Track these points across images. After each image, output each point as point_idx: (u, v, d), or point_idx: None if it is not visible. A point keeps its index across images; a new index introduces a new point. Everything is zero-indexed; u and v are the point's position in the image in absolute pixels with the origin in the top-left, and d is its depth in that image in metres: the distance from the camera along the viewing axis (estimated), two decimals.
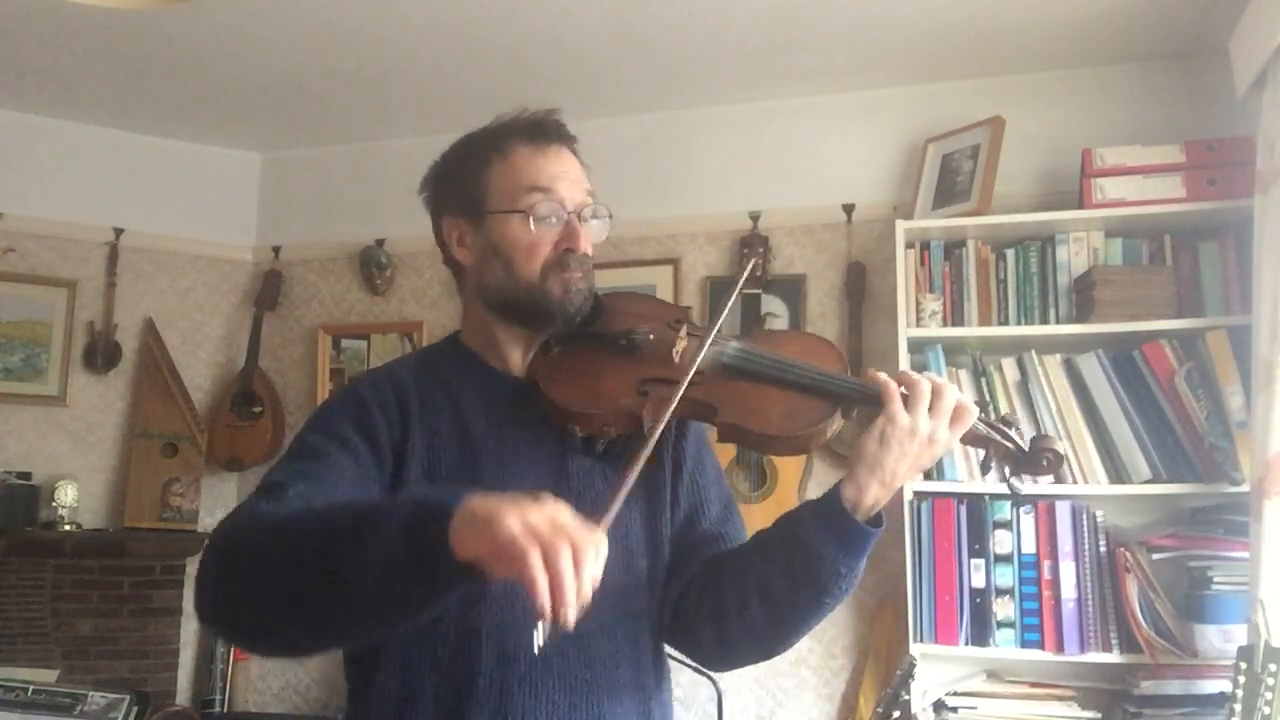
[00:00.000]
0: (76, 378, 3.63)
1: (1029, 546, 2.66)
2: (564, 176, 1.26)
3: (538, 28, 2.90)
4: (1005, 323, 2.82)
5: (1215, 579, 2.45)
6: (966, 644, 2.65)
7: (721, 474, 1.38)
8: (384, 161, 3.73)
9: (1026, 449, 1.18)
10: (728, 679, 2.93)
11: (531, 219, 1.23)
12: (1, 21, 2.90)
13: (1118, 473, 2.63)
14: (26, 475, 3.48)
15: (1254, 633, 2.14)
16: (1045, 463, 1.17)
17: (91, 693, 2.75)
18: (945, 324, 2.86)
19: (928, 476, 2.74)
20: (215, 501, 3.71)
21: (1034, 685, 2.67)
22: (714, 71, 3.17)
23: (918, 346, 2.86)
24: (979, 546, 2.68)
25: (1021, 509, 2.67)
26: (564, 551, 0.82)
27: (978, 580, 2.67)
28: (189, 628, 3.59)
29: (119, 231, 3.71)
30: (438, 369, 1.29)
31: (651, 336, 1.26)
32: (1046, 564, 2.64)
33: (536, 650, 0.84)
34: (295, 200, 3.92)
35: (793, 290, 3.26)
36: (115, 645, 3.45)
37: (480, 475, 1.20)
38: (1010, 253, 2.85)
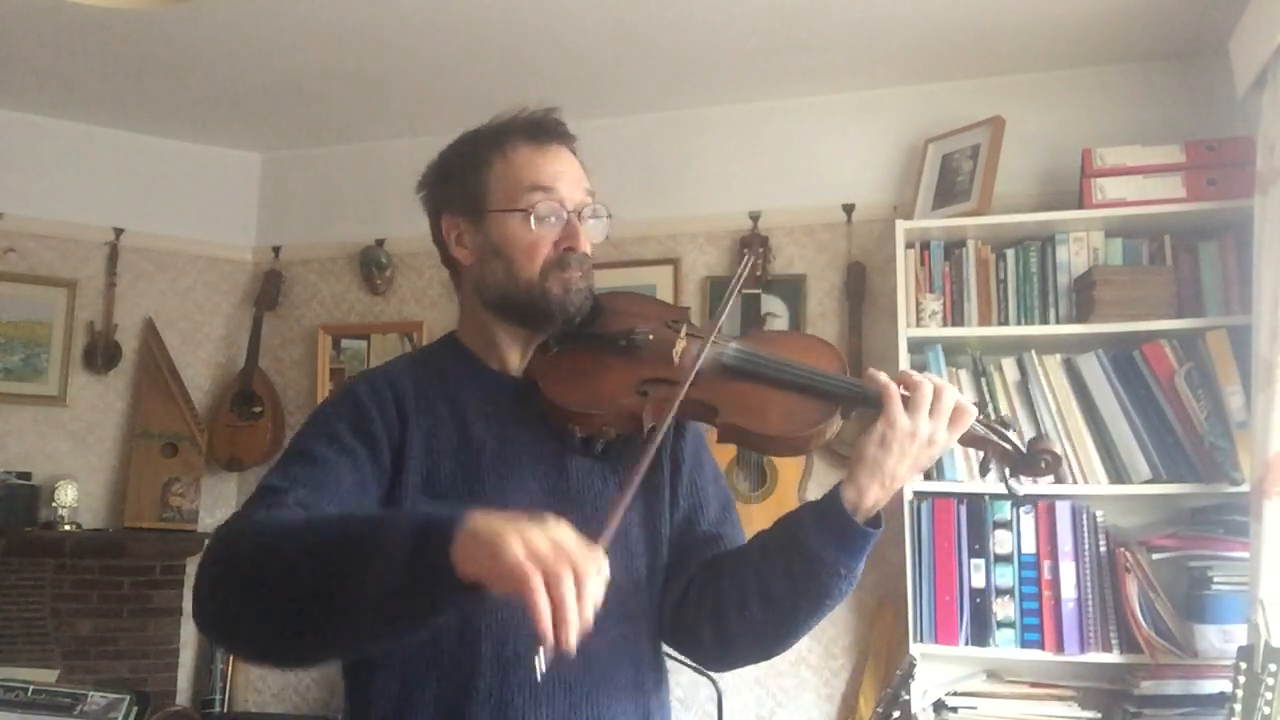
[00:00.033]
0: (76, 378, 3.63)
1: (1029, 546, 2.66)
2: (564, 176, 1.26)
3: (538, 28, 2.90)
4: (1005, 323, 2.82)
5: (1215, 579, 2.45)
6: (966, 644, 2.65)
7: (719, 474, 1.38)
8: (384, 161, 3.73)
9: (1024, 450, 1.18)
10: (728, 679, 2.93)
11: (532, 218, 1.23)
12: (1, 21, 2.90)
13: (1118, 473, 2.63)
14: (26, 475, 3.48)
15: (1254, 633, 2.14)
16: (1043, 464, 1.17)
17: (91, 693, 2.74)
18: (945, 324, 2.86)
19: (928, 476, 2.75)
20: (215, 501, 3.72)
21: (1034, 685, 2.67)
22: (714, 71, 3.17)
23: (918, 346, 2.86)
24: (979, 546, 2.68)
25: (1021, 509, 2.67)
26: (566, 577, 0.83)
27: (978, 580, 2.67)
28: (189, 628, 3.59)
29: (119, 231, 3.71)
30: (435, 369, 1.29)
31: (651, 337, 1.25)
32: (1046, 564, 2.64)
33: (539, 677, 0.84)
34: (295, 200, 3.92)
35: (793, 290, 3.26)
36: (115, 645, 3.45)
37: (480, 476, 1.20)
38: (1010, 253, 2.85)
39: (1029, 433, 2.70)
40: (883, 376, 1.15)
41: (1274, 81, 2.32)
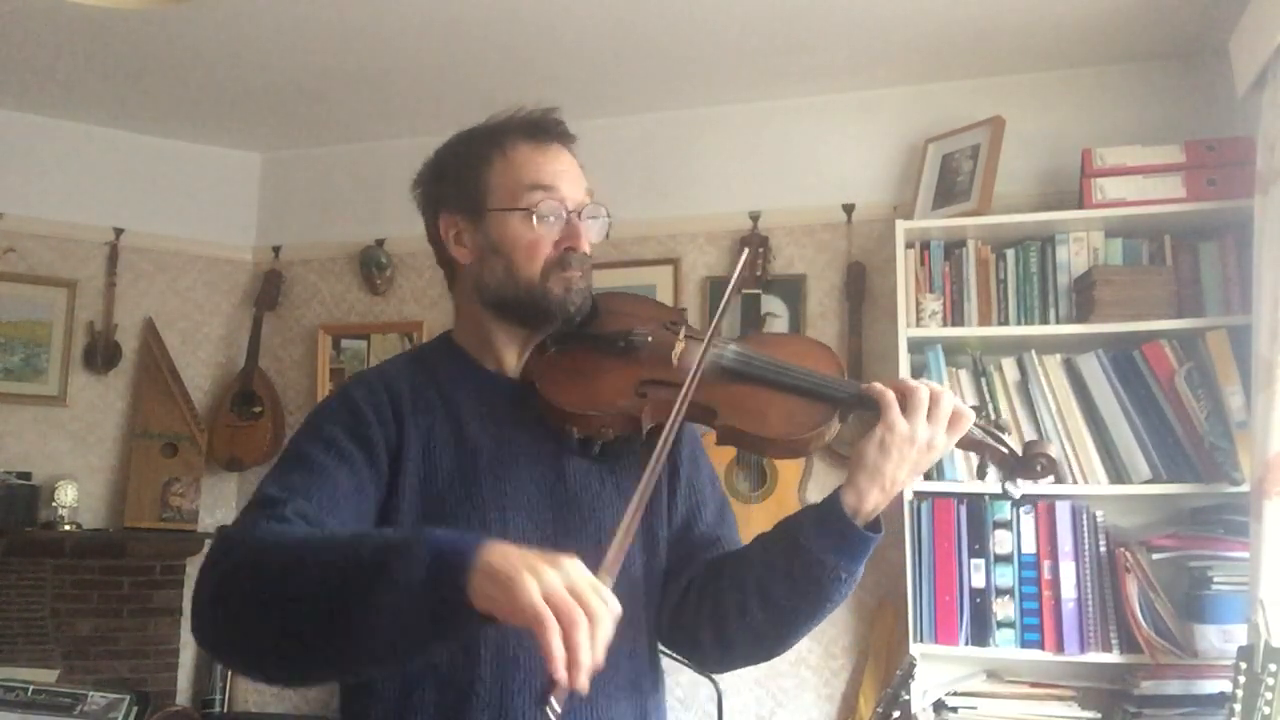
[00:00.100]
0: (76, 378, 3.64)
1: (1029, 546, 2.66)
2: (565, 175, 1.26)
3: (538, 28, 2.90)
4: (1005, 323, 2.82)
5: (1215, 579, 2.45)
6: (966, 644, 2.65)
7: (715, 476, 1.38)
8: (384, 161, 3.72)
9: (1020, 454, 1.19)
10: (728, 679, 2.93)
11: (534, 217, 1.23)
12: (1, 21, 2.90)
13: (1118, 473, 2.63)
14: (26, 475, 3.48)
15: (1254, 633, 2.14)
16: (1039, 467, 1.17)
17: (91, 693, 2.74)
18: (945, 324, 2.86)
19: (928, 477, 2.74)
20: (215, 501, 3.72)
21: (1034, 685, 2.67)
22: (714, 71, 3.17)
23: (918, 346, 2.86)
24: (979, 546, 2.68)
25: (1021, 509, 2.67)
26: (581, 622, 0.83)
27: (978, 580, 2.67)
28: (189, 627, 3.58)
29: (119, 231, 3.71)
30: (431, 369, 1.28)
31: (650, 338, 1.25)
32: (1046, 564, 2.64)
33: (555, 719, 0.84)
34: (295, 200, 3.92)
35: (793, 290, 3.25)
36: (115, 645, 3.45)
37: (477, 478, 1.19)
38: (1010, 253, 2.85)
39: (1029, 434, 2.71)
40: (879, 385, 1.16)
41: (1274, 81, 2.32)
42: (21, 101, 3.51)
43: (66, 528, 3.42)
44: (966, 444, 1.18)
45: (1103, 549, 2.61)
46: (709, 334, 1.19)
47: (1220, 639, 2.41)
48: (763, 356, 1.23)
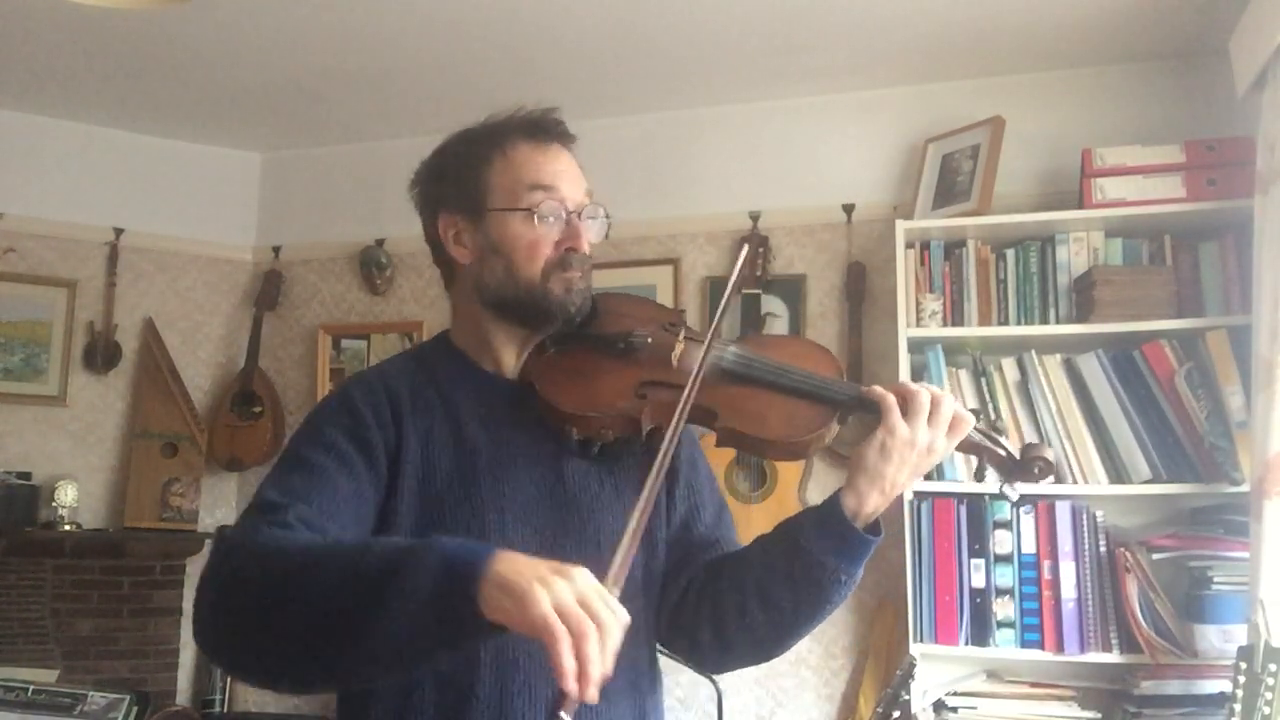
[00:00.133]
0: (76, 378, 3.64)
1: (1029, 546, 2.66)
2: (565, 175, 1.26)
3: (538, 28, 2.90)
4: (1005, 323, 2.82)
5: (1215, 579, 2.45)
6: (966, 644, 2.65)
7: (713, 477, 1.39)
8: (384, 161, 3.72)
9: (1018, 457, 1.19)
10: (728, 679, 2.93)
11: (535, 217, 1.23)
12: (1, 21, 2.90)
13: (1118, 473, 2.63)
14: (26, 475, 3.48)
15: (1254, 633, 2.14)
16: (1037, 470, 1.18)
17: (91, 693, 2.74)
18: (945, 324, 2.86)
19: (928, 477, 2.69)
20: (215, 501, 3.72)
21: (1034, 685, 2.67)
22: (714, 71, 3.17)
23: (918, 346, 2.86)
24: (979, 546, 2.68)
25: (1021, 509, 2.67)
26: (591, 637, 0.83)
27: (978, 580, 2.67)
28: (189, 628, 3.57)
29: (119, 231, 3.71)
30: (431, 369, 1.28)
31: (650, 340, 1.25)
32: (1046, 564, 2.64)
33: None
34: (295, 200, 3.92)
35: (793, 290, 3.25)
36: (115, 645, 3.45)
37: (476, 478, 1.19)
38: (1010, 253, 2.85)
39: (1029, 434, 2.71)
40: (879, 388, 1.16)
41: (1274, 81, 2.32)
42: (21, 101, 3.51)
43: (66, 528, 3.42)
44: (966, 447, 1.19)
45: (1103, 549, 2.61)
46: (709, 336, 1.19)
47: (1220, 639, 2.41)
48: (762, 358, 1.23)
